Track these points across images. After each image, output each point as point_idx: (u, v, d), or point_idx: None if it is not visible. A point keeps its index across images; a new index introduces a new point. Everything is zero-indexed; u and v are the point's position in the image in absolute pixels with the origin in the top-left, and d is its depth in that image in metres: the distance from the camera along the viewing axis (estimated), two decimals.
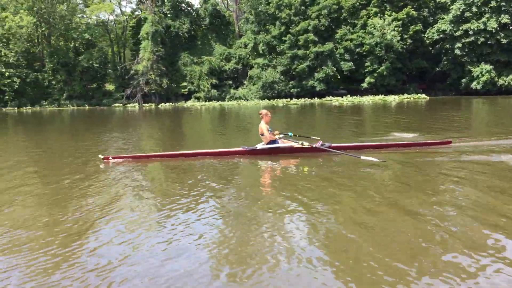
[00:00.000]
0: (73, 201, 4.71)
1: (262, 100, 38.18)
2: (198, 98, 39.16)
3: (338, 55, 36.79)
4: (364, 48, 35.85)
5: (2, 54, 37.05)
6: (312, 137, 8.59)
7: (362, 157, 6.64)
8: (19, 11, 37.10)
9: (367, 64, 36.04)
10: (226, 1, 44.58)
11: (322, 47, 36.09)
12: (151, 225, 3.82)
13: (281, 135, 8.16)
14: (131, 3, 41.35)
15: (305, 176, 5.96)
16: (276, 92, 38.57)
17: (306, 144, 7.65)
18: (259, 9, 38.71)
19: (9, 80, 37.27)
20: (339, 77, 36.61)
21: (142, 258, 3.06)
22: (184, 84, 39.68)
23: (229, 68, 40.48)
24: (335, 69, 36.21)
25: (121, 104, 38.59)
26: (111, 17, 41.17)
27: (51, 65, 39.02)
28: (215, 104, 36.99)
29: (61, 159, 8.18)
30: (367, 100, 31.94)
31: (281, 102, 35.54)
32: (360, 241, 3.20)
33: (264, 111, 7.86)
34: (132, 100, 38.81)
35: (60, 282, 2.73)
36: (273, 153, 7.76)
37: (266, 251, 3.14)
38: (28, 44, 39.12)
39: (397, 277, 2.62)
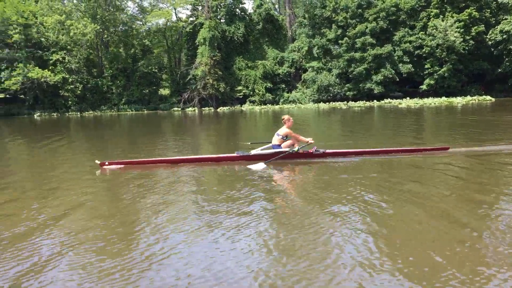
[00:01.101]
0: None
1: (317, 103, 38.32)
2: (253, 102, 39.58)
3: (396, 57, 36.59)
4: (424, 50, 35.55)
5: (66, 60, 38.32)
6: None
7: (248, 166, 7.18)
8: (82, 19, 38.31)
9: (427, 66, 35.71)
10: (278, 6, 44.74)
11: (381, 50, 35.97)
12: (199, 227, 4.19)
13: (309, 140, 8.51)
14: (188, 9, 41.68)
15: (309, 180, 6.41)
16: (331, 95, 38.62)
17: (301, 150, 7.95)
18: (315, 12, 38.91)
19: (72, 86, 38.53)
20: (397, 79, 36.37)
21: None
22: (239, 88, 40.16)
23: (282, 72, 40.79)
24: (393, 71, 36.02)
25: (179, 108, 39.33)
26: (168, 24, 41.86)
27: (111, 71, 40.17)
28: (275, 107, 37.39)
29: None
30: (432, 102, 31.62)
31: (342, 104, 35.61)
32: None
33: (286, 117, 8.18)
34: (189, 104, 39.53)
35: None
36: (265, 158, 7.90)
37: (317, 256, 3.36)
38: (89, 51, 40.36)
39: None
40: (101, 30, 38.74)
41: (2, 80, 37.76)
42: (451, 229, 3.84)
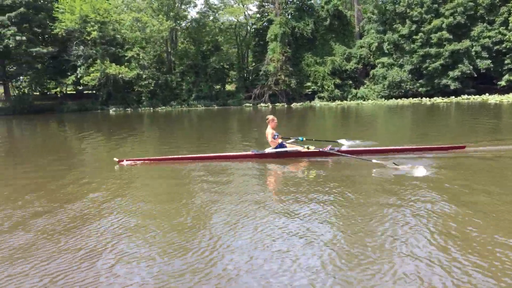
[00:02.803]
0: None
1: (387, 99, 38.14)
2: (321, 98, 39.63)
3: (473, 53, 35.98)
4: (504, 45, 34.84)
5: (140, 57, 39.15)
6: (324, 141, 9.22)
7: (373, 160, 7.00)
8: (158, 16, 39.03)
9: (507, 61, 34.99)
10: (345, 1, 44.56)
11: (458, 45, 35.45)
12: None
13: (291, 140, 8.81)
14: (255, 6, 41.94)
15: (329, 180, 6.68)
16: (402, 91, 38.32)
17: (312, 148, 8.04)
18: (386, 8, 38.62)
19: (146, 82, 39.36)
20: (475, 75, 35.78)
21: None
22: (308, 84, 40.26)
23: (350, 68, 40.66)
24: (471, 67, 35.44)
25: (250, 104, 39.72)
26: (238, 20, 42.25)
27: (181, 67, 40.83)
28: (351, 103, 37.63)
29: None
30: None
31: (426, 100, 35.34)
32: None
33: (270, 117, 8.35)
34: (259, 100, 39.88)
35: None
36: (281, 157, 8.11)
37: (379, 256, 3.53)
38: (161, 47, 41.14)
39: None
40: (176, 26, 39.40)
41: (78, 76, 38.91)
42: None
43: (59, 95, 44.33)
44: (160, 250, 3.89)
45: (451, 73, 35.92)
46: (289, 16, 40.67)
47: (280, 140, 8.47)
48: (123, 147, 12.58)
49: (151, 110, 38.65)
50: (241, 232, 4.23)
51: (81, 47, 39.08)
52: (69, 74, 39.70)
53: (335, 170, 7.44)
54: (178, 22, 39.90)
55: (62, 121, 28.76)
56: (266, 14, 41.56)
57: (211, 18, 41.56)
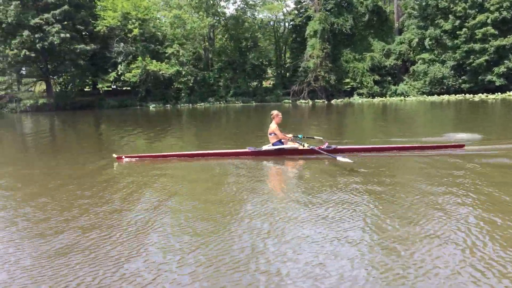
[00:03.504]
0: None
1: (428, 96, 37.75)
2: (360, 95, 39.39)
3: None
4: None
5: (180, 54, 39.41)
6: (315, 137, 9.10)
7: (338, 158, 7.19)
8: (198, 13, 39.22)
9: None
10: None
11: (504, 41, 34.81)
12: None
13: (291, 136, 8.69)
14: (292, 2, 41.84)
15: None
16: (444, 87, 37.85)
17: (306, 146, 8.11)
18: (428, 3, 38.12)
19: (185, 79, 39.63)
20: None
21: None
22: (347, 80, 40.04)
23: (389, 64, 40.29)
24: None
25: (289, 101, 39.69)
26: (275, 16, 42.23)
27: (220, 64, 40.98)
28: (394, 100, 37.39)
29: None
30: None
31: (476, 97, 34.88)
32: None
33: (275, 112, 8.35)
34: (298, 96, 39.82)
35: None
36: (278, 154, 8.12)
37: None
38: (199, 44, 41.35)
39: None
40: (216, 23, 39.56)
41: (119, 73, 39.37)
42: None
43: (101, 92, 44.95)
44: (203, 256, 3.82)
45: (496, 69, 35.32)
46: (328, 12, 40.44)
47: (290, 135, 8.53)
48: (182, 141, 13.13)
49: (190, 107, 38.95)
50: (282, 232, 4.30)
51: (121, 44, 39.45)
52: (110, 71, 40.18)
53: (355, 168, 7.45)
54: (218, 18, 40.00)
55: (109, 117, 29.37)
56: (304, 10, 41.39)
57: (248, 14, 41.44)
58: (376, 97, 39.00)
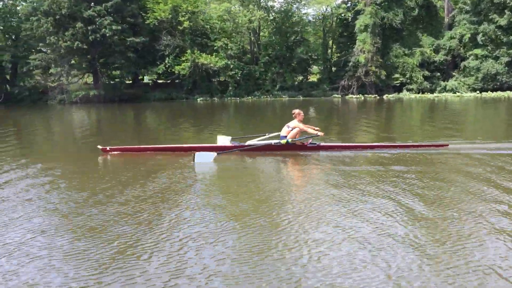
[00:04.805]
0: None
1: (481, 92, 37.22)
2: (410, 90, 38.95)
3: None
4: None
5: (228, 47, 39.38)
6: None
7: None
8: (248, 6, 39.08)
9: None
10: None
11: None
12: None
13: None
14: None
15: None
16: (498, 84, 37.22)
17: (285, 141, 8.35)
18: None
19: (233, 72, 39.60)
20: None
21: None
22: (396, 76, 39.59)
23: (438, 60, 39.71)
24: None
25: (339, 96, 39.42)
26: (324, 10, 41.86)
27: (266, 58, 40.84)
28: (447, 95, 37.15)
29: None
30: None
31: None
32: None
33: (297, 111, 8.68)
34: (346, 91, 39.52)
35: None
36: (259, 149, 8.40)
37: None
38: (247, 38, 41.29)
39: None
40: (266, 17, 39.42)
41: (167, 66, 39.52)
42: None
43: (150, 84, 45.25)
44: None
45: None
46: (378, 7, 39.97)
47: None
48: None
49: (238, 100, 38.93)
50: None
51: (168, 37, 39.52)
52: (158, 63, 40.35)
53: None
54: (266, 12, 39.83)
55: (162, 109, 29.55)
56: (353, 4, 40.98)
57: (295, 7, 41.11)
58: (425, 92, 38.51)
